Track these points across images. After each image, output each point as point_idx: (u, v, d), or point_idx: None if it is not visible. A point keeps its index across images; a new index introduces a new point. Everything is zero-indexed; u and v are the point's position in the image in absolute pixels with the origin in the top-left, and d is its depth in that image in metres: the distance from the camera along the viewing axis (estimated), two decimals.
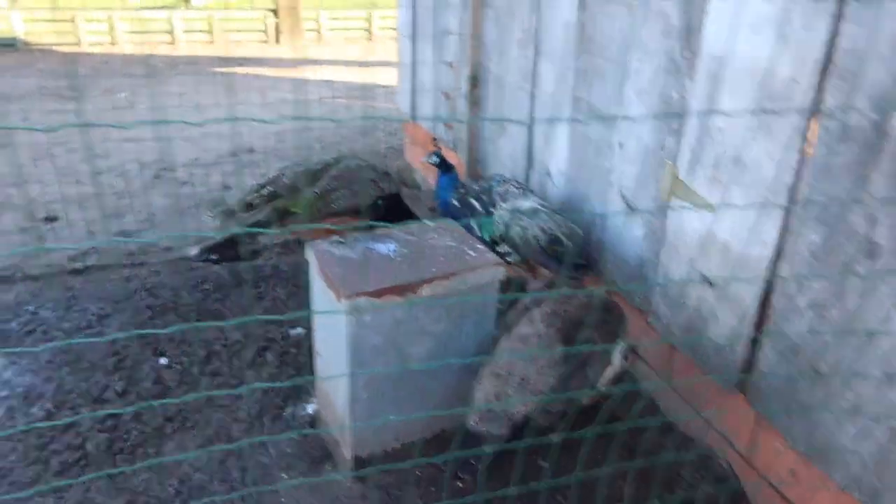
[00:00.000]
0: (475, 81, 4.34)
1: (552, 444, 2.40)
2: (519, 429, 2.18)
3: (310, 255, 2.36)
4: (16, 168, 5.52)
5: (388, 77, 9.27)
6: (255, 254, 4.03)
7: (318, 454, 2.58)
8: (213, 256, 3.74)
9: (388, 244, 2.40)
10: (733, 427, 2.46)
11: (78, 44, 10.23)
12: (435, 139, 4.16)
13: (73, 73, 8.47)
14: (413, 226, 2.56)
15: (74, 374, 3.06)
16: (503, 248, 3.03)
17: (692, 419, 2.66)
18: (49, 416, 2.83)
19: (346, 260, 2.27)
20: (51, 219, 4.71)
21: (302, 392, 2.91)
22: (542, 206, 3.17)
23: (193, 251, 3.87)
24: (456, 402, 2.40)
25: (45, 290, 3.77)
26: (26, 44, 10.03)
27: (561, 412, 2.22)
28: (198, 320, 3.45)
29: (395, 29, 11.98)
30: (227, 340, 3.27)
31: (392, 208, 3.75)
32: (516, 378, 2.18)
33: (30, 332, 3.38)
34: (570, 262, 2.90)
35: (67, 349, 3.22)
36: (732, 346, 2.38)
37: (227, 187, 5.36)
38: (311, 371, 2.98)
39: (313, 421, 2.77)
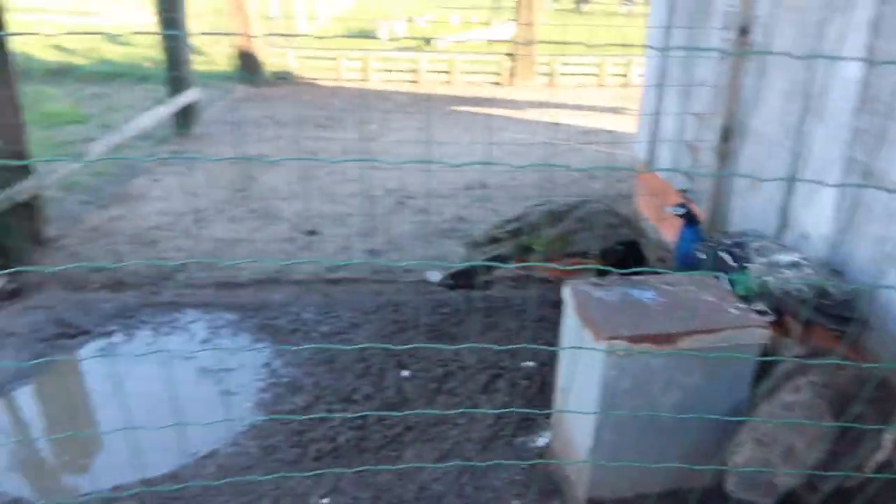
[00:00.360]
0: (727, 134, 4.21)
1: None
2: (782, 501, 2.06)
3: (567, 293, 2.44)
4: (286, 185, 6.30)
5: (614, 123, 9.28)
6: (489, 285, 4.21)
7: (548, 488, 2.63)
8: (451, 282, 3.98)
9: (646, 292, 2.41)
10: None
11: (337, 79, 11.48)
12: (684, 190, 4.10)
13: (331, 105, 9.51)
14: (671, 276, 2.55)
15: (330, 372, 3.42)
16: (758, 306, 2.89)
17: None
18: (308, 407, 3.18)
19: (604, 302, 2.32)
20: (312, 232, 5.30)
21: (532, 424, 2.99)
22: (804, 260, 2.99)
23: (434, 276, 4.15)
24: (699, 462, 2.33)
25: (306, 295, 4.25)
26: (296, 77, 11.46)
27: (829, 491, 2.07)
28: (435, 340, 3.68)
29: (624, 76, 11.98)
30: (462, 363, 3.46)
31: (630, 255, 3.75)
32: (781, 447, 2.08)
33: (294, 331, 3.82)
34: (837, 314, 2.68)
35: (324, 350, 3.60)
36: None
37: (461, 219, 5.68)
38: (542, 403, 3.05)
39: (542, 453, 2.83)
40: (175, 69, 7.67)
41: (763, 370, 2.64)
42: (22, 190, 4.58)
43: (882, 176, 2.86)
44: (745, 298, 3.08)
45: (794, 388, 2.21)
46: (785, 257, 2.95)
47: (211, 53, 12.40)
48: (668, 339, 2.17)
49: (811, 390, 2.15)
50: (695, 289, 2.44)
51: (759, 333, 2.27)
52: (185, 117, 7.88)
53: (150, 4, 7.52)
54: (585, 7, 24.49)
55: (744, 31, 4.11)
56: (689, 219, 3.66)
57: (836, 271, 3.07)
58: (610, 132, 8.89)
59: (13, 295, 4.21)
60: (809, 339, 2.80)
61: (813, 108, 3.38)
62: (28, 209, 4.72)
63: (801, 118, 3.47)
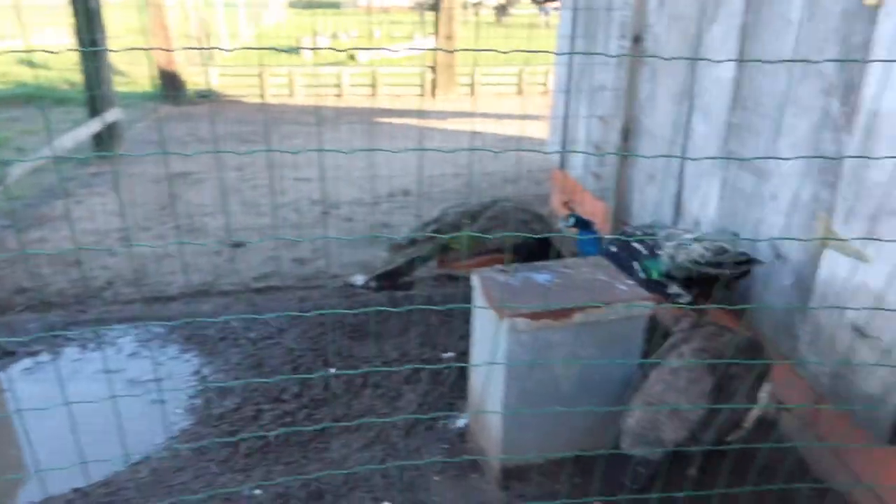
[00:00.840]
0: (627, 134, 4.54)
1: (689, 476, 2.50)
2: (669, 455, 2.31)
3: (475, 280, 2.65)
4: (210, 200, 6.34)
5: (534, 130, 9.65)
6: (411, 285, 4.39)
7: (467, 463, 2.82)
8: (374, 285, 4.14)
9: (545, 275, 2.64)
10: (884, 481, 2.44)
11: (262, 95, 11.52)
12: (567, 202, 4.37)
13: (257, 120, 9.55)
14: (569, 260, 2.79)
15: (259, 375, 3.52)
16: (674, 289, 3.14)
17: (834, 467, 2.64)
18: (238, 408, 3.29)
19: (507, 286, 2.54)
20: (238, 244, 5.38)
21: (453, 408, 3.18)
22: (701, 236, 3.28)
23: (359, 280, 4.30)
24: (598, 425, 2.57)
25: (234, 304, 4.34)
26: (219, 95, 11.44)
27: (709, 443, 2.33)
28: (360, 339, 3.84)
29: (544, 84, 12.43)
30: (386, 358, 3.62)
31: (543, 248, 4.01)
32: (668, 406, 2.33)
33: (222, 339, 3.91)
34: (735, 259, 2.97)
35: (252, 354, 3.71)
36: (885, 398, 2.38)
37: (385, 225, 5.85)
38: (462, 389, 3.26)
39: (463, 434, 3.02)
40: (95, 90, 7.60)
41: (654, 342, 2.91)
42: None
43: (753, 164, 3.19)
44: (660, 283, 3.33)
45: (678, 355, 2.47)
46: (689, 236, 3.23)
47: (132, 74, 12.24)
48: (563, 314, 2.40)
49: (693, 355, 2.42)
50: (589, 270, 2.69)
51: (644, 306, 2.52)
52: (106, 138, 7.79)
53: (69, 26, 7.44)
54: (506, 19, 25.15)
55: (637, 38, 4.47)
56: (582, 224, 3.92)
57: (734, 233, 3.38)
58: (529, 139, 9.25)
59: None
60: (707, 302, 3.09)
61: (696, 107, 3.72)
62: None
63: (688, 117, 3.81)
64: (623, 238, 3.67)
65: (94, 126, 7.47)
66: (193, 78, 11.44)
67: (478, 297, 2.63)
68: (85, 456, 2.84)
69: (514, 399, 2.45)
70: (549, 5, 7.13)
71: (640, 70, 4.44)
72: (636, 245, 3.51)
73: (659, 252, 3.35)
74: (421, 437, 3.03)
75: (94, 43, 7.47)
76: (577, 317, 2.41)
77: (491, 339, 2.51)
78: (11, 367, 3.71)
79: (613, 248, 3.69)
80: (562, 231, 5.66)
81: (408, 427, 3.08)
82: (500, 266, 2.74)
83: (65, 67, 11.50)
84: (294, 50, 14.29)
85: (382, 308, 3.77)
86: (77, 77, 8.35)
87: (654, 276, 3.33)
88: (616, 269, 2.78)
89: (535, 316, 2.35)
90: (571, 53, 5.53)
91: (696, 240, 3.22)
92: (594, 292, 2.51)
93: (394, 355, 3.64)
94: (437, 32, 11.94)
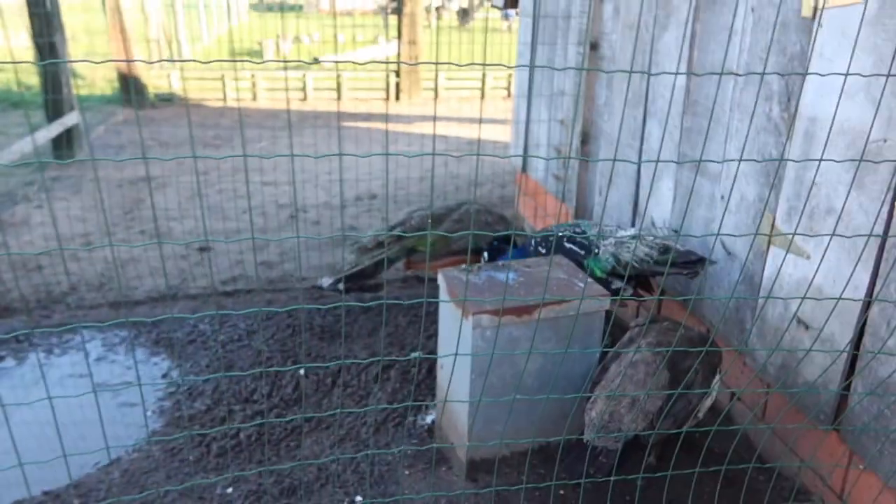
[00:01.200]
0: (586, 138, 4.69)
1: (648, 464, 2.64)
2: (629, 444, 2.44)
3: (441, 279, 2.75)
4: (175, 205, 6.33)
5: (497, 133, 9.80)
6: (379, 287, 4.48)
7: (436, 458, 2.91)
8: (342, 287, 4.22)
9: (507, 274, 2.75)
10: (826, 460, 2.60)
11: (224, 99, 11.46)
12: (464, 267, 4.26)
13: (219, 124, 9.51)
14: (530, 259, 2.91)
15: (228, 377, 3.57)
16: (617, 284, 3.28)
17: (781, 450, 2.80)
18: (208, 410, 3.33)
19: (472, 284, 2.65)
20: (204, 249, 5.39)
21: (421, 405, 3.27)
22: (642, 231, 3.41)
23: (326, 282, 4.37)
24: (561, 417, 2.69)
25: (202, 307, 4.37)
26: (181, 99, 11.35)
27: (666, 432, 2.46)
28: (328, 340, 3.91)
29: (506, 89, 12.61)
30: (355, 358, 3.70)
31: (506, 249, 4.12)
32: (628, 399, 2.45)
33: (191, 342, 3.94)
34: (685, 260, 3.09)
35: (222, 356, 3.75)
36: (826, 385, 2.55)
37: (352, 228, 5.92)
38: (430, 387, 3.36)
39: (431, 429, 3.12)
40: (53, 93, 7.51)
41: (612, 337, 3.05)
42: None
43: (704, 167, 3.36)
44: (603, 280, 3.49)
45: (636, 349, 2.60)
46: (625, 233, 3.36)
47: (90, 77, 12.06)
48: (525, 310, 2.51)
49: (650, 349, 2.55)
50: (548, 269, 2.81)
51: (602, 301, 2.65)
52: (66, 142, 7.70)
53: (25, 28, 7.34)
54: (468, 23, 25.35)
55: (594, 46, 4.62)
56: (495, 253, 3.97)
57: (674, 230, 3.52)
58: (493, 142, 9.40)
59: None
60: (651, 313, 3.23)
61: (650, 112, 3.88)
62: None
63: (643, 121, 3.97)
64: (551, 238, 3.68)
65: (55, 130, 7.38)
66: (154, 81, 11.33)
67: (443, 295, 2.73)
68: (55, 461, 2.88)
69: (478, 393, 2.56)
70: (511, 11, 7.28)
71: (597, 76, 4.59)
72: (569, 245, 3.56)
73: (596, 251, 3.42)
74: (390, 433, 3.11)
75: (52, 46, 7.38)
76: (538, 313, 2.52)
77: (456, 335, 2.61)
78: None
79: (543, 250, 3.72)
80: (524, 230, 5.80)
81: (377, 424, 3.17)
82: (464, 266, 2.84)
83: (21, 70, 11.29)
84: (255, 55, 14.24)
85: (351, 304, 3.84)
86: (33, 80, 8.23)
87: (598, 274, 3.43)
88: (575, 267, 2.90)
89: (497, 312, 2.45)
90: (532, 66, 5.67)
91: (633, 238, 3.35)
92: (554, 289, 2.63)
93: (363, 355, 3.72)
94: (399, 37, 12.04)
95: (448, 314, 2.71)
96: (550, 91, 5.32)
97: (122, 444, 3.11)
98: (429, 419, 3.17)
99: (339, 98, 11.86)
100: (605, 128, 4.49)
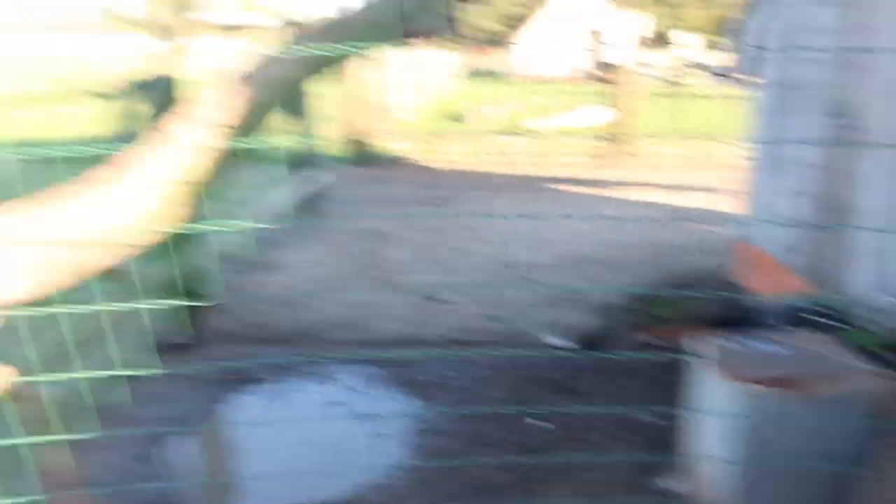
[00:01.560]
0: (831, 211, 4.50)
1: None
2: None
3: (702, 346, 2.79)
4: (408, 258, 6.91)
5: (707, 202, 9.53)
6: (610, 348, 4.55)
7: None
8: (574, 346, 4.37)
9: (768, 345, 2.74)
10: None
11: (439, 161, 12.35)
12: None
13: (439, 184, 10.28)
14: (782, 332, 2.87)
15: (469, 420, 3.82)
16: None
17: None
18: (457, 448, 3.59)
19: (736, 354, 2.67)
20: (433, 299, 5.82)
21: (664, 470, 3.28)
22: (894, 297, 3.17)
23: (554, 340, 4.55)
24: None
25: (440, 354, 4.71)
26: (403, 160, 12.42)
27: None
28: (562, 394, 4.05)
29: (726, 158, 12.23)
30: (591, 415, 3.80)
31: (742, 318, 4.05)
32: None
33: (433, 384, 4.27)
34: None
35: (463, 401, 4.02)
36: None
37: (568, 288, 6.07)
38: (668, 452, 3.35)
39: (668, 494, 3.11)
40: (303, 153, 8.63)
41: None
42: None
43: None
44: (871, 353, 3.23)
45: None
46: (877, 303, 3.14)
47: (327, 138, 13.59)
48: (801, 384, 2.48)
49: None
50: (807, 341, 2.75)
51: (879, 383, 2.54)
52: (314, 195, 8.75)
53: None
54: (675, 89, 24.99)
55: (843, 115, 4.46)
56: (731, 322, 3.80)
57: None
58: (707, 210, 9.15)
59: (182, 348, 4.85)
60: None
61: None
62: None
63: None
64: (798, 310, 3.50)
65: (313, 187, 8.44)
66: (382, 144, 12.50)
67: (706, 364, 2.76)
68: (311, 477, 3.30)
69: (747, 465, 2.54)
70: (734, 76, 7.19)
71: (849, 146, 4.42)
72: (818, 319, 3.36)
73: (849, 321, 3.21)
74: (630, 494, 3.15)
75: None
76: (814, 387, 2.48)
77: (720, 404, 2.62)
78: (256, 392, 4.28)
79: (774, 321, 3.54)
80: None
81: (618, 483, 3.22)
82: (722, 336, 2.87)
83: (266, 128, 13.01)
84: (460, 120, 15.10)
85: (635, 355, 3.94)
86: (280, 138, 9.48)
87: (863, 343, 3.19)
88: (837, 342, 2.81)
89: (772, 383, 2.45)
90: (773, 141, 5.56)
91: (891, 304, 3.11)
92: (827, 364, 2.57)
93: (601, 412, 3.80)
94: (615, 104, 12.25)
95: (711, 382, 2.73)
96: (790, 161, 5.18)
97: (384, 469, 3.44)
98: (672, 484, 3.17)
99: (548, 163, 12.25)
100: (857, 201, 4.28)
